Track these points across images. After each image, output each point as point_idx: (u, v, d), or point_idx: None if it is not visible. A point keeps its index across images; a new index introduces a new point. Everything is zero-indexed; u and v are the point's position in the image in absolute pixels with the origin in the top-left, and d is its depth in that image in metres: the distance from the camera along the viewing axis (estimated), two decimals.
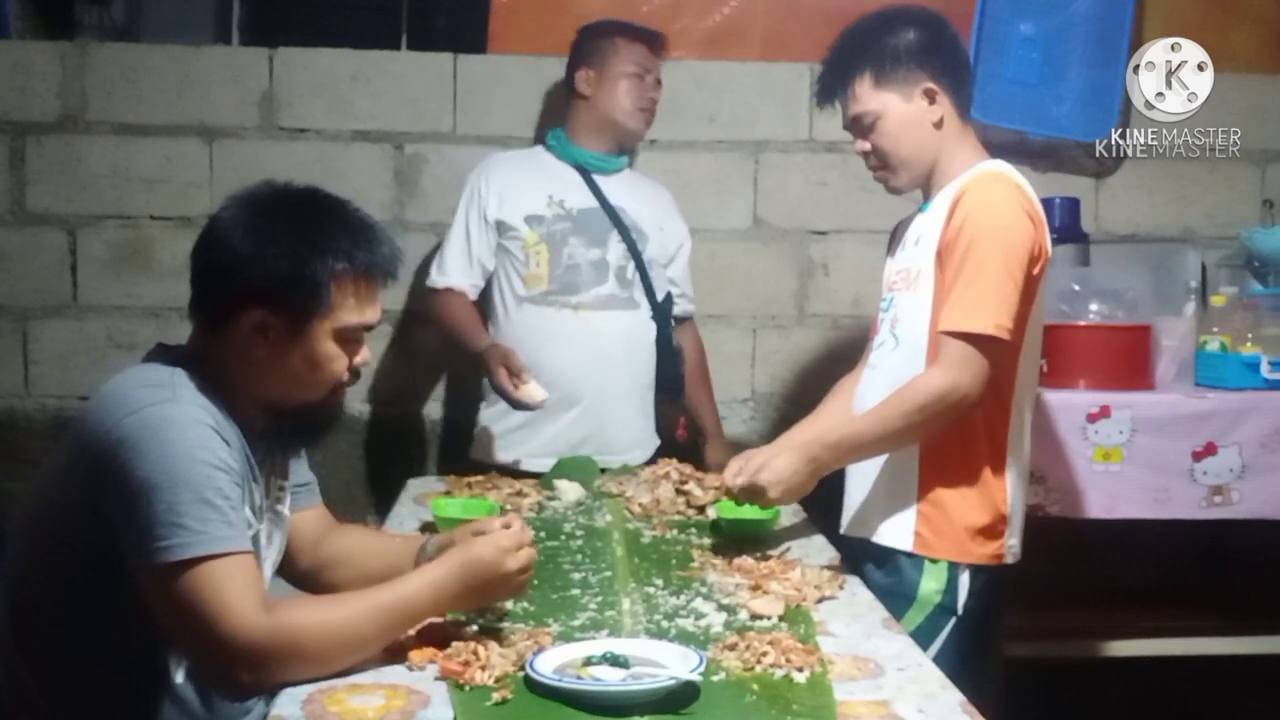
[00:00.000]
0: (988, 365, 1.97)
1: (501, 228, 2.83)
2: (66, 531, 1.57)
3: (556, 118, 3.07)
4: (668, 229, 2.96)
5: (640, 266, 2.85)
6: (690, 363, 3.02)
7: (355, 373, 1.69)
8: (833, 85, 2.17)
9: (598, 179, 2.88)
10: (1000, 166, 2.13)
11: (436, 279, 2.89)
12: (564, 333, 2.78)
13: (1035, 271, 2.04)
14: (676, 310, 2.99)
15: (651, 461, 2.82)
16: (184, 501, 1.47)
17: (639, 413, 2.87)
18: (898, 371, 2.10)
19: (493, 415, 2.88)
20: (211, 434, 1.54)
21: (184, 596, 1.46)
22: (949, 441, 2.04)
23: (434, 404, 3.37)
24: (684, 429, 3.01)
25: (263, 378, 1.64)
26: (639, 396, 2.87)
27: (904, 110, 2.11)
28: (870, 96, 2.11)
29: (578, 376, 2.78)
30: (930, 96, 2.10)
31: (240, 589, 1.47)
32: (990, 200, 2.02)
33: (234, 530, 1.51)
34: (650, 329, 2.88)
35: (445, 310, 2.87)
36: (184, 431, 1.52)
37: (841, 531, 2.22)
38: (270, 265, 1.58)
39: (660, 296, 2.90)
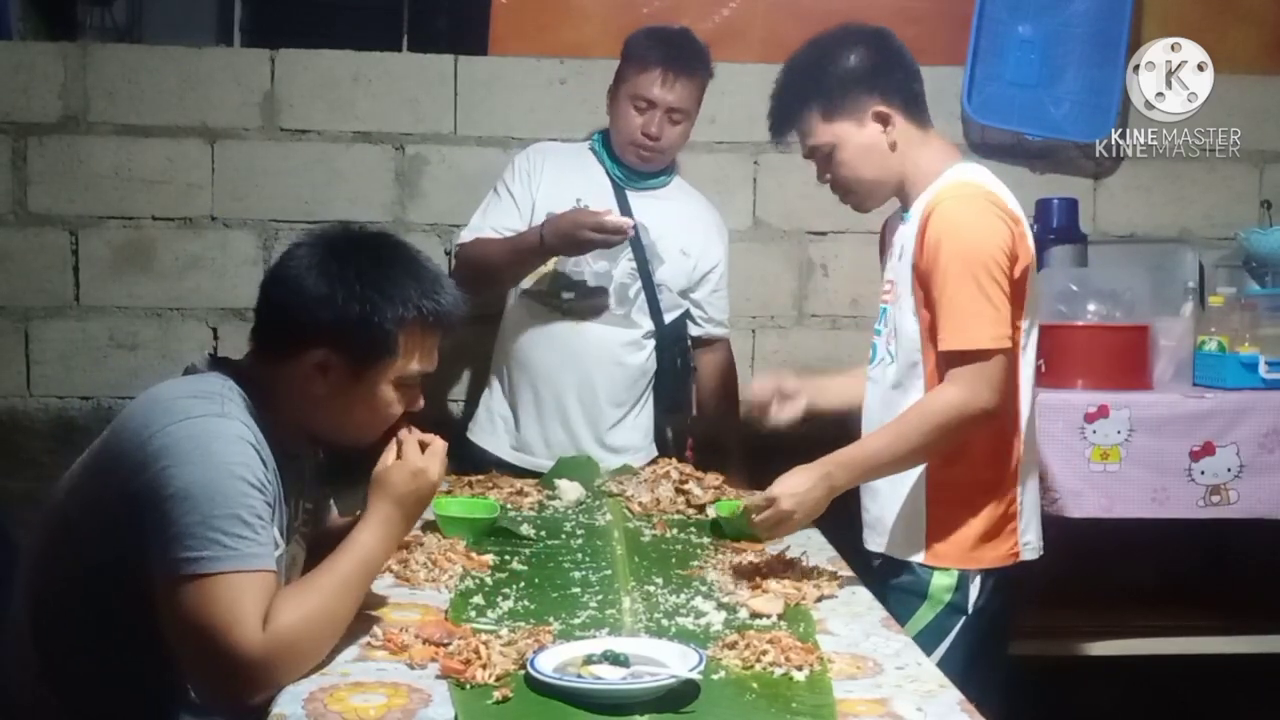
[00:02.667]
0: (1000, 377, 1.98)
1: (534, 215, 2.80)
2: (94, 535, 1.57)
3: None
4: (695, 254, 2.87)
5: (648, 288, 2.81)
6: (708, 384, 2.97)
7: (406, 415, 1.72)
8: (782, 123, 2.14)
9: (629, 193, 2.83)
10: (967, 174, 2.09)
11: (480, 226, 2.79)
12: (552, 335, 2.77)
13: (1017, 274, 2.02)
14: (697, 332, 2.93)
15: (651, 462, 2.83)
16: (219, 516, 1.48)
17: (620, 426, 2.85)
18: (894, 388, 2.11)
19: (486, 401, 2.89)
20: (253, 452, 1.56)
21: (197, 610, 1.46)
22: (956, 450, 2.04)
23: (436, 404, 3.38)
24: (693, 450, 2.99)
25: (316, 414, 1.67)
26: (622, 411, 2.84)
27: (858, 138, 2.08)
28: (822, 130, 2.09)
29: (557, 378, 2.78)
30: (882, 119, 2.08)
31: (251, 606, 1.47)
32: (957, 214, 2.00)
33: (262, 549, 1.52)
34: (645, 347, 2.84)
35: (489, 243, 2.75)
36: (228, 446, 1.53)
37: (867, 546, 2.22)
38: (342, 309, 1.61)
39: (670, 318, 2.85)
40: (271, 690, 1.48)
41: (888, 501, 2.14)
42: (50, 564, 1.63)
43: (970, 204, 2.01)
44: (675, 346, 2.89)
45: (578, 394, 2.79)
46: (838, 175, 2.13)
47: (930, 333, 2.03)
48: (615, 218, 2.61)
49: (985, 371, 1.96)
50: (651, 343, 2.85)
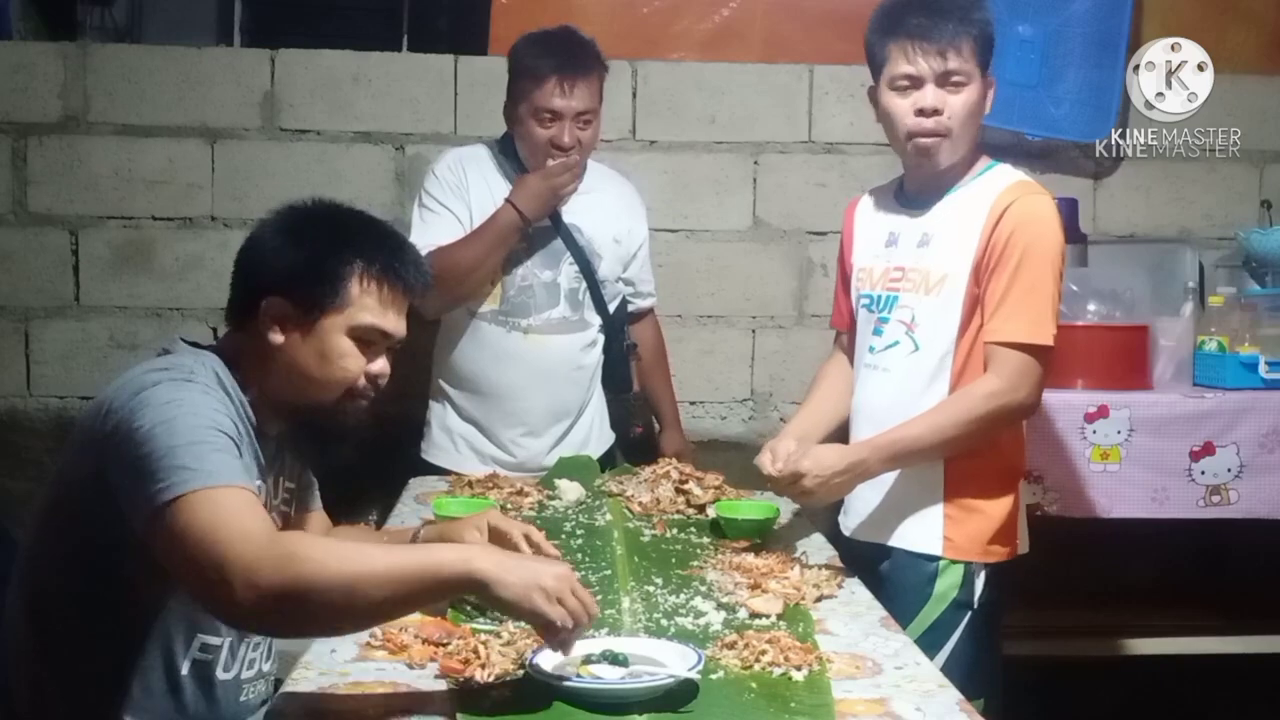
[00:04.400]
0: (1043, 376, 2.01)
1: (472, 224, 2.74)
2: (79, 516, 1.57)
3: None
4: (624, 239, 2.85)
5: (592, 286, 2.78)
6: (646, 356, 2.99)
7: (372, 383, 1.70)
8: (954, 22, 2.02)
9: None
10: (1019, 174, 2.13)
11: (424, 245, 2.51)
12: (513, 353, 2.74)
13: None
14: (632, 308, 2.94)
15: (609, 456, 2.85)
16: (181, 445, 1.45)
17: (584, 419, 2.85)
18: (918, 377, 2.09)
19: (439, 421, 2.86)
20: (221, 411, 1.55)
21: (186, 528, 1.40)
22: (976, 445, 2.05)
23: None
24: (641, 427, 3.01)
25: (278, 373, 1.66)
26: (585, 405, 2.84)
27: (979, 90, 2.06)
28: (969, 60, 2.04)
29: (523, 395, 2.76)
30: (988, 89, 2.08)
31: (244, 515, 1.41)
32: (1038, 213, 2.04)
33: (231, 467, 1.47)
34: (598, 342, 2.84)
35: (451, 248, 2.64)
36: (191, 397, 1.53)
37: (849, 534, 2.22)
38: (290, 255, 1.65)
39: (613, 308, 2.85)
40: (265, 600, 1.36)
41: (891, 491, 2.13)
42: (41, 555, 1.63)
43: (1048, 204, 2.06)
44: (620, 331, 2.89)
45: (549, 406, 2.78)
46: (954, 109, 2.04)
47: (968, 324, 2.05)
48: (563, 159, 2.63)
49: (1034, 369, 2.00)
50: (602, 336, 2.85)
